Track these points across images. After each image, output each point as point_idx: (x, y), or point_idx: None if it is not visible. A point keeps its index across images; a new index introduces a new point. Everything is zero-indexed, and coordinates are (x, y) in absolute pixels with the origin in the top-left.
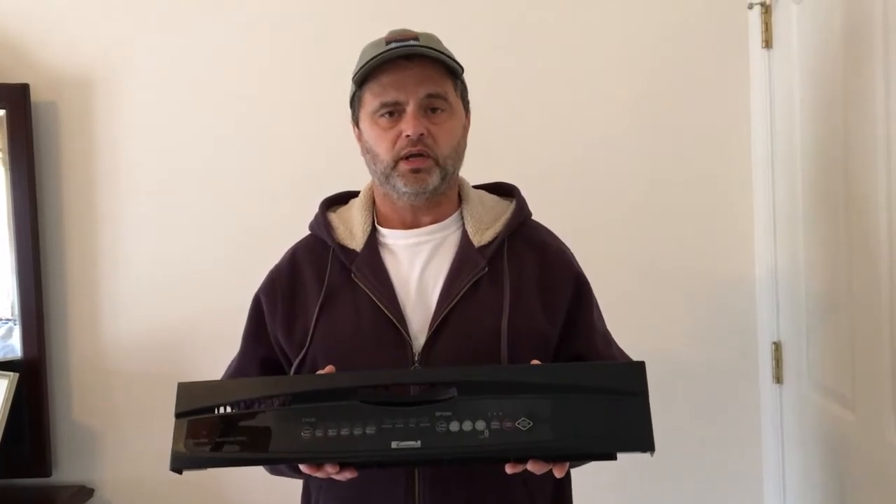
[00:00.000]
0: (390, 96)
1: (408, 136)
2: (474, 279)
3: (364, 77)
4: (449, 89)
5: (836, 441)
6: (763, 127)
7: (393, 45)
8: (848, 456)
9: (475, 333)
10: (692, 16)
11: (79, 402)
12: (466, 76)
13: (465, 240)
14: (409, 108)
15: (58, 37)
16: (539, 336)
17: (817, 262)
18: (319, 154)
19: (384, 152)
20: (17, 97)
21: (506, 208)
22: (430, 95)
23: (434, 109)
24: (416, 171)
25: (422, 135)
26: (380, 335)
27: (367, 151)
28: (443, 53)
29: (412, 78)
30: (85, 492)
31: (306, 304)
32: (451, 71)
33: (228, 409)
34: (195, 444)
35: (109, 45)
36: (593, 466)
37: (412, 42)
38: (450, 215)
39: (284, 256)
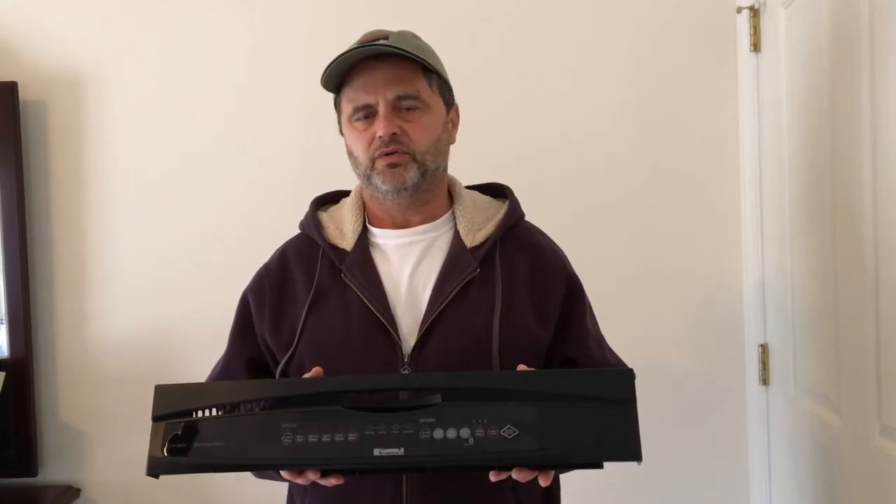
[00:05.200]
0: (361, 100)
1: (380, 136)
2: (465, 280)
3: (339, 82)
4: (422, 86)
5: (821, 443)
6: (751, 130)
7: (359, 48)
8: (833, 458)
9: (466, 335)
10: (681, 19)
11: (66, 402)
12: (457, 77)
13: (456, 240)
14: (381, 110)
15: (47, 35)
16: (531, 338)
17: (804, 266)
18: (309, 155)
19: (361, 153)
20: (4, 95)
21: (498, 209)
22: (400, 97)
23: (408, 108)
24: (392, 165)
25: (395, 134)
26: (369, 336)
27: (349, 154)
28: (409, 52)
29: (381, 79)
30: (71, 492)
31: (295, 303)
32: (424, 66)
33: (207, 413)
34: (172, 449)
35: (99, 44)
36: (581, 471)
37: (381, 42)
38: (441, 215)
39: (273, 255)
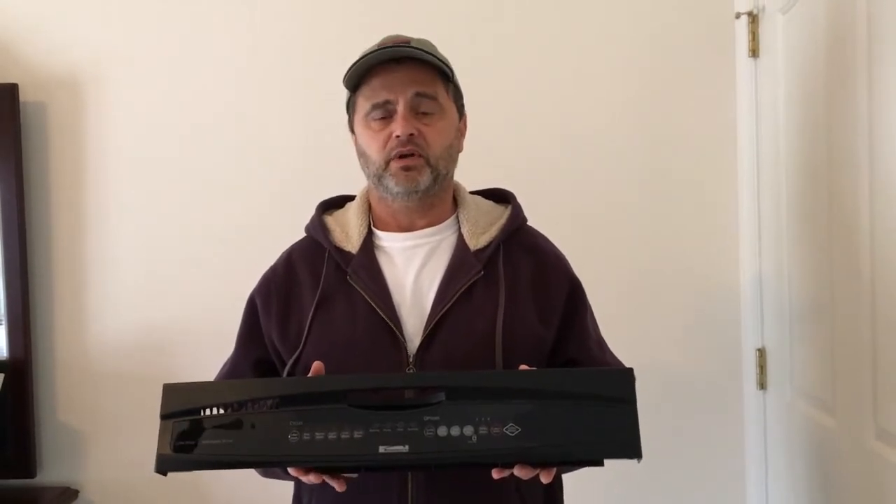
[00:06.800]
0: (380, 97)
1: (398, 136)
2: (470, 283)
3: (357, 82)
4: (440, 90)
5: (818, 447)
6: (749, 135)
7: (383, 49)
8: (829, 462)
9: (470, 336)
10: (680, 24)
11: (64, 403)
12: (461, 82)
13: (460, 243)
14: (400, 109)
15: (47, 36)
16: (534, 340)
17: (801, 270)
18: (309, 155)
19: (376, 153)
20: (5, 97)
21: (501, 213)
22: (419, 94)
23: (426, 112)
24: (407, 168)
25: (412, 135)
26: (375, 337)
27: (360, 154)
28: (432, 55)
29: (401, 79)
30: (69, 493)
31: (301, 305)
32: (442, 73)
33: (215, 411)
34: (181, 446)
35: (99, 46)
36: (583, 473)
37: (403, 46)
38: (446, 219)
39: (280, 258)
